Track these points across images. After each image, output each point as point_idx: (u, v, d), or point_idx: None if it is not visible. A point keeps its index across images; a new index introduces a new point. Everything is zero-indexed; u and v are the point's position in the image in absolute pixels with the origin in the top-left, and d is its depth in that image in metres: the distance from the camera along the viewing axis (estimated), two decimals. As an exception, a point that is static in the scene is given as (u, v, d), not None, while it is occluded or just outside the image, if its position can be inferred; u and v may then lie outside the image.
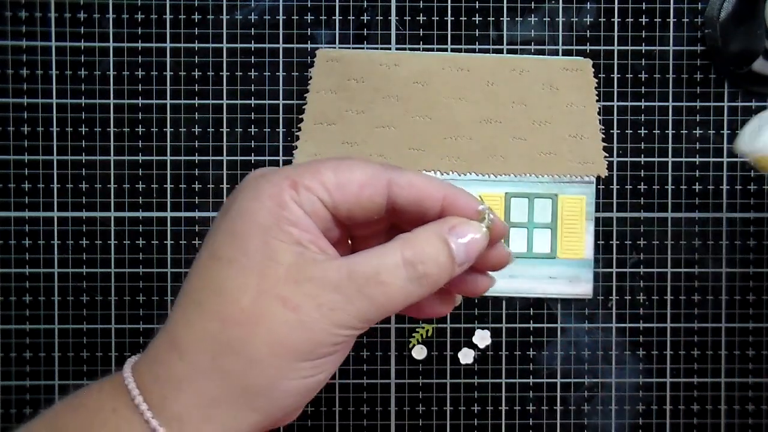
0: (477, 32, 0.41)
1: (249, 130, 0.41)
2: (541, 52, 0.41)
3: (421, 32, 0.41)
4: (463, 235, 0.27)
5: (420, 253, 0.26)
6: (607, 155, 0.41)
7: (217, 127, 0.41)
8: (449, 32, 0.41)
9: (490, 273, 0.29)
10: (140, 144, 0.41)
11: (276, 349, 0.25)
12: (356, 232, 0.29)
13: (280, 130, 0.41)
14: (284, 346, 0.25)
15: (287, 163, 0.41)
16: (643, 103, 0.41)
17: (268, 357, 0.25)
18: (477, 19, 0.41)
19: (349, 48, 0.41)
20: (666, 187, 0.41)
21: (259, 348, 0.24)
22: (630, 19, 0.41)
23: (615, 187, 0.41)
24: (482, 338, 0.41)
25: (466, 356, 0.41)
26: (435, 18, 0.41)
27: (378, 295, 0.25)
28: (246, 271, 0.25)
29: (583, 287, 0.41)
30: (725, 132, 0.41)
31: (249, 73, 0.41)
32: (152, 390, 0.25)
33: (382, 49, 0.41)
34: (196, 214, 0.41)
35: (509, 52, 0.41)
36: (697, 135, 0.41)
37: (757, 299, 0.41)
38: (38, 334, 0.41)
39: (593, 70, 0.41)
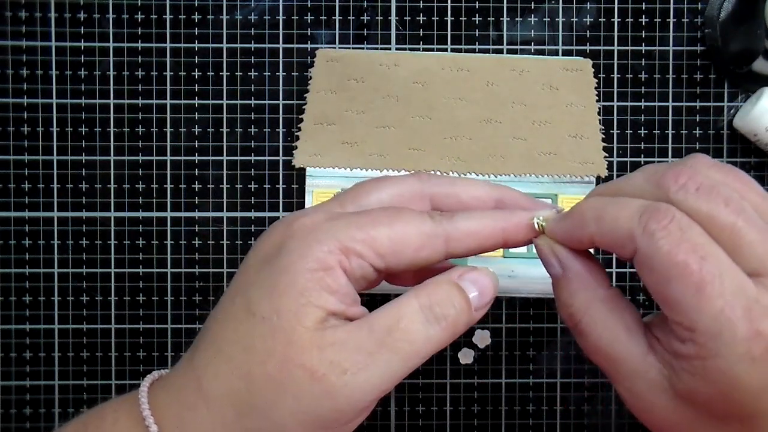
0: (477, 32, 0.41)
1: (249, 130, 0.41)
2: (541, 52, 0.41)
3: (421, 32, 0.41)
4: (474, 281, 0.27)
5: (434, 296, 0.26)
6: (607, 155, 0.41)
7: (217, 127, 0.41)
8: (449, 32, 0.41)
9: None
10: (140, 144, 0.41)
11: (301, 417, 0.24)
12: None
13: (280, 130, 0.41)
14: (309, 414, 0.24)
15: (287, 163, 0.41)
16: (643, 103, 0.41)
17: (293, 424, 0.25)
18: (477, 19, 0.41)
19: (349, 48, 0.41)
20: (666, 187, 0.41)
21: (285, 415, 0.24)
22: (630, 19, 0.41)
23: (615, 187, 0.41)
24: (482, 338, 0.41)
25: (466, 356, 0.41)
26: (435, 18, 0.41)
27: (401, 344, 0.25)
28: (275, 333, 0.25)
29: (583, 287, 0.41)
30: (725, 132, 0.41)
31: (249, 73, 0.41)
32: None
33: (382, 49, 0.41)
34: (196, 214, 0.41)
35: (509, 52, 0.41)
36: (697, 135, 0.41)
37: (757, 299, 0.41)
38: (38, 334, 0.41)
39: (593, 70, 0.41)
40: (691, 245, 0.23)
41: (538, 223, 0.28)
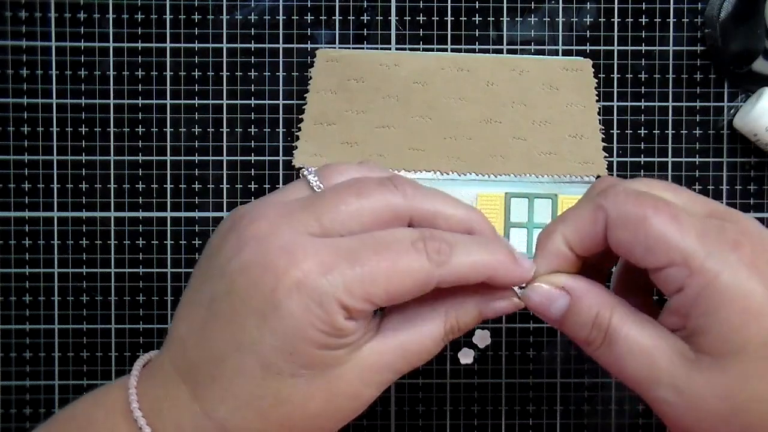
0: (477, 32, 0.41)
1: (249, 130, 0.41)
2: (541, 52, 0.41)
3: (421, 32, 0.41)
4: (500, 311, 0.29)
5: (461, 322, 0.29)
6: (607, 155, 0.41)
7: (217, 127, 0.41)
8: (449, 32, 0.41)
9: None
10: (140, 144, 0.41)
11: (337, 427, 0.28)
12: None
13: (280, 130, 0.41)
14: (345, 422, 0.28)
15: (287, 163, 0.41)
16: (643, 103, 0.41)
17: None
18: (477, 19, 0.41)
19: (349, 48, 0.41)
20: (666, 187, 0.41)
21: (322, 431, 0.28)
22: (630, 19, 0.41)
23: (615, 187, 0.41)
24: (482, 338, 0.41)
25: (466, 356, 0.41)
26: (435, 18, 0.41)
27: (420, 361, 0.28)
28: (312, 381, 0.26)
29: (583, 287, 0.41)
30: (725, 132, 0.41)
31: (249, 73, 0.41)
32: None
33: (382, 49, 0.41)
34: (196, 214, 0.41)
35: (509, 52, 0.41)
36: (697, 135, 0.41)
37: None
38: (38, 334, 0.41)
39: (593, 70, 0.41)
40: (649, 194, 0.27)
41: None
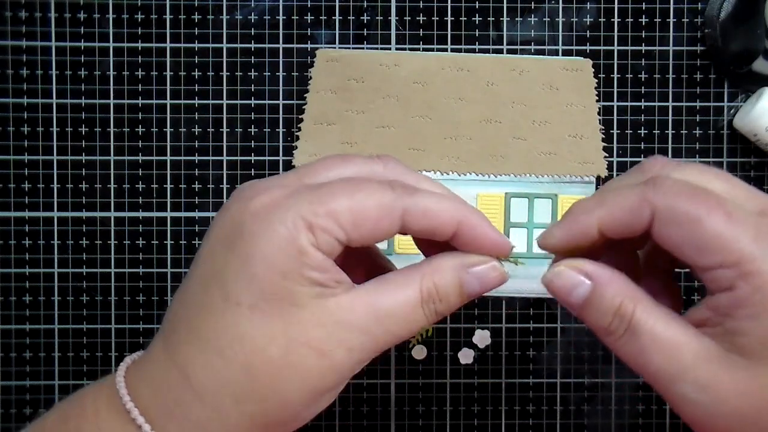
0: (477, 32, 0.41)
1: (249, 130, 0.41)
2: (541, 52, 0.41)
3: (421, 32, 0.41)
4: (481, 277, 0.28)
5: (439, 284, 0.27)
6: (607, 155, 0.41)
7: (217, 127, 0.41)
8: (449, 32, 0.41)
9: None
10: (140, 144, 0.41)
11: (307, 393, 0.25)
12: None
13: (280, 130, 0.41)
14: (316, 388, 0.26)
15: (287, 163, 0.41)
16: (643, 103, 0.41)
17: (298, 400, 0.25)
18: (477, 19, 0.41)
19: (349, 48, 0.41)
20: (666, 187, 0.41)
21: (290, 394, 0.25)
22: (630, 19, 0.41)
23: (615, 187, 0.41)
24: (482, 338, 0.41)
25: (466, 356, 0.41)
26: (435, 18, 0.41)
27: (399, 329, 0.26)
28: (270, 318, 0.25)
29: (583, 287, 0.41)
30: (725, 132, 0.41)
31: (249, 73, 0.41)
32: (167, 429, 0.25)
33: (382, 49, 0.41)
34: (196, 214, 0.41)
35: (509, 52, 0.41)
36: (697, 135, 0.41)
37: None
38: (38, 334, 0.41)
39: (593, 70, 0.41)
40: (702, 190, 0.25)
41: (510, 260, 0.28)
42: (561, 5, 0.41)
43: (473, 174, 0.41)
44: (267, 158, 0.41)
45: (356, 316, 0.26)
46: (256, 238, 0.25)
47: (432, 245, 0.29)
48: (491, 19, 0.41)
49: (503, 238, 0.28)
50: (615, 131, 0.41)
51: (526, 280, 0.41)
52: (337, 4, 0.41)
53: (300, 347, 0.25)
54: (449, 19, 0.41)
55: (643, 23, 0.41)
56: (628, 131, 0.41)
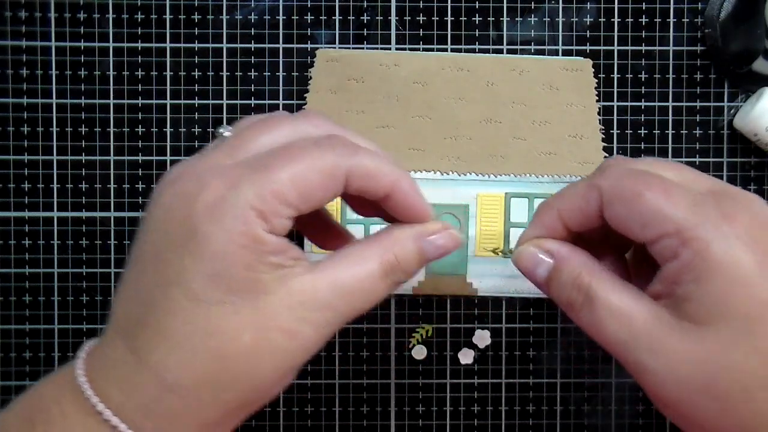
0: (477, 32, 0.41)
1: (249, 130, 0.41)
2: (541, 52, 0.41)
3: (421, 32, 0.41)
4: (440, 247, 0.29)
5: (399, 256, 0.28)
6: (607, 155, 0.41)
7: (217, 127, 0.41)
8: (449, 32, 0.41)
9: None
10: (140, 144, 0.41)
11: (280, 372, 0.26)
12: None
13: (280, 130, 0.41)
14: (287, 367, 0.27)
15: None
16: (643, 103, 0.41)
17: (270, 380, 0.26)
18: (477, 19, 0.41)
19: (349, 48, 0.41)
20: (666, 187, 0.41)
21: (264, 376, 0.26)
22: (630, 19, 0.41)
23: (615, 187, 0.41)
24: (482, 338, 0.41)
25: (466, 356, 0.41)
26: (435, 18, 0.41)
27: (362, 303, 0.27)
28: (239, 310, 0.25)
29: (583, 287, 0.41)
30: (725, 132, 0.41)
31: (249, 73, 0.41)
32: (144, 426, 0.25)
33: (382, 49, 0.41)
34: (196, 214, 0.41)
35: (509, 52, 0.41)
36: (697, 135, 0.41)
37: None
38: (38, 334, 0.41)
39: (593, 70, 0.41)
40: (644, 171, 0.28)
41: (501, 250, 0.32)
42: (561, 5, 0.41)
43: (473, 174, 0.41)
44: (267, 158, 0.41)
45: (321, 295, 0.26)
46: (212, 238, 0.25)
47: (362, 203, 0.30)
48: (491, 19, 0.41)
49: (427, 206, 0.29)
50: (615, 131, 0.41)
51: (526, 280, 0.41)
52: (337, 4, 0.41)
53: (270, 332, 0.26)
54: (449, 19, 0.41)
55: (643, 23, 0.41)
56: (628, 131, 0.41)
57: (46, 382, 0.27)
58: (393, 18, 0.41)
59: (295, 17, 0.41)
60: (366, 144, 0.29)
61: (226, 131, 0.28)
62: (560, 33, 0.41)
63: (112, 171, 0.41)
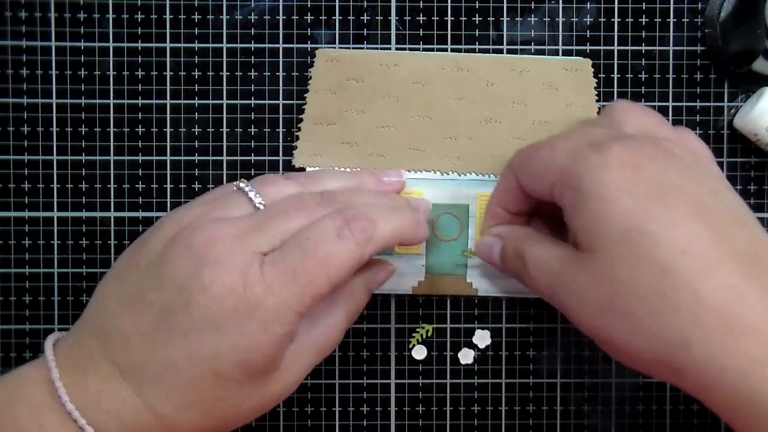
0: (477, 32, 0.41)
1: (249, 130, 0.41)
2: (541, 52, 0.41)
3: (421, 32, 0.41)
4: (383, 278, 0.36)
5: (359, 305, 0.34)
6: (607, 155, 0.41)
7: (217, 127, 0.41)
8: (449, 32, 0.41)
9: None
10: (140, 144, 0.41)
11: (262, 411, 0.33)
12: None
13: (280, 130, 0.41)
14: (274, 403, 0.33)
15: (287, 163, 0.41)
16: (643, 103, 0.41)
17: (256, 416, 0.33)
18: (477, 19, 0.41)
19: (349, 48, 0.41)
20: (666, 187, 0.41)
21: (246, 418, 0.32)
22: (630, 19, 0.41)
23: (615, 187, 0.41)
24: (482, 338, 0.41)
25: (466, 356, 0.41)
26: (435, 18, 0.41)
27: (330, 351, 0.34)
28: (251, 386, 0.30)
29: (583, 287, 0.41)
30: (725, 132, 0.41)
31: (249, 73, 0.41)
32: None
33: (382, 49, 0.41)
34: (196, 214, 0.41)
35: (509, 52, 0.41)
36: (697, 135, 0.41)
37: (757, 299, 0.41)
38: (38, 334, 0.41)
39: (593, 70, 0.41)
40: (544, 140, 0.33)
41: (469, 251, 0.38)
42: (561, 5, 0.41)
43: (473, 174, 0.41)
44: (267, 158, 0.41)
45: (305, 359, 0.32)
46: (254, 338, 0.28)
47: None
48: (491, 19, 0.41)
49: (423, 234, 0.34)
50: (615, 131, 0.41)
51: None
52: (337, 4, 0.41)
53: (269, 398, 0.31)
54: (449, 19, 0.41)
55: (643, 23, 0.41)
56: (628, 131, 0.41)
57: (11, 397, 0.28)
58: (393, 18, 0.41)
59: (295, 17, 0.41)
60: (373, 198, 0.34)
61: (251, 192, 0.32)
62: (560, 33, 0.41)
63: (112, 171, 0.41)
